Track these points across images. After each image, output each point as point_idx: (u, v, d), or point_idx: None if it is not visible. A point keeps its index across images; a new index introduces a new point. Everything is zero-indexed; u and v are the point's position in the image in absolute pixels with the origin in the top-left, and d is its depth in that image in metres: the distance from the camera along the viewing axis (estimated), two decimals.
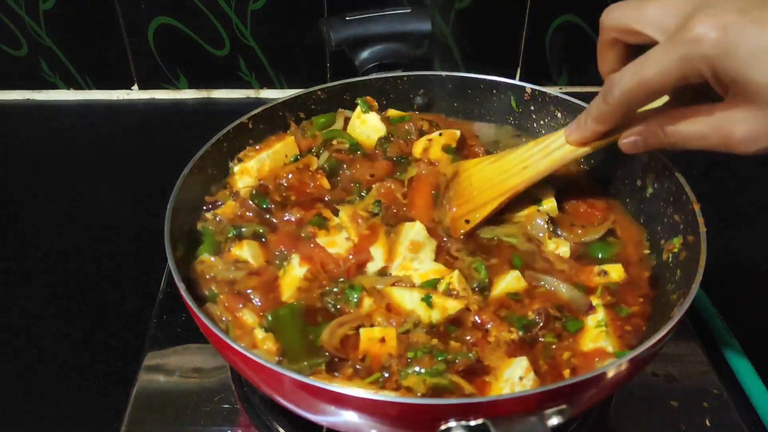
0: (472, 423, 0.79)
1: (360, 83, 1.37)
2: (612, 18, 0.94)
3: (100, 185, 1.63)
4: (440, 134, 1.26)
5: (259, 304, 1.02)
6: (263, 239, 1.11)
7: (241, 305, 1.01)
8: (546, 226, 1.13)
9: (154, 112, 1.87)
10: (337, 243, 1.09)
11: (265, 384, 0.91)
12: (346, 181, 1.23)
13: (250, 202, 1.15)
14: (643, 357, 0.87)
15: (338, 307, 1.03)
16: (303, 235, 1.10)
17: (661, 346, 0.90)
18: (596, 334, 0.99)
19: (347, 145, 1.27)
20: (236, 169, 1.21)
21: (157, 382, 1.13)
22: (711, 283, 1.24)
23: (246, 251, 1.08)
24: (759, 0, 0.80)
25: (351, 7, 1.43)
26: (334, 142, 1.28)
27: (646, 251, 1.13)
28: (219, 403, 1.10)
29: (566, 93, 1.34)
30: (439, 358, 0.93)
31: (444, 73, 1.39)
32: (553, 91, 1.33)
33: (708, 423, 1.08)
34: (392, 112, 1.34)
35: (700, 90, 0.88)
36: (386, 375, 0.93)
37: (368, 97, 1.33)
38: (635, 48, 0.93)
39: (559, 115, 1.33)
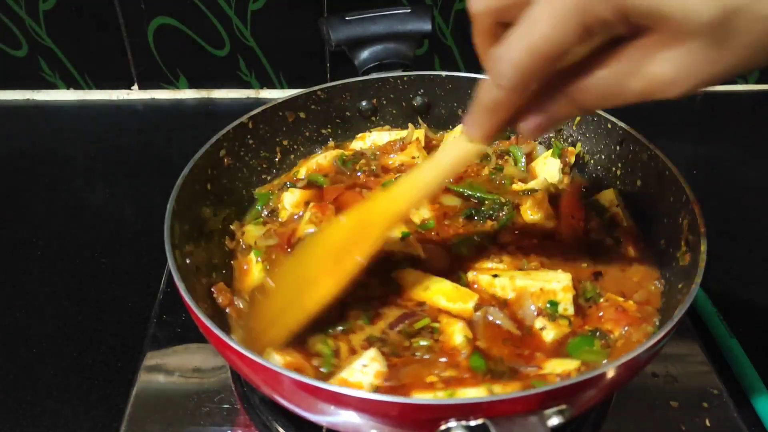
0: (472, 423, 0.79)
1: (360, 83, 1.38)
2: (481, 2, 0.76)
3: (99, 185, 1.63)
4: None
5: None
6: (317, 184, 1.28)
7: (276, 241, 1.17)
8: None
9: (154, 112, 1.87)
10: None
11: (265, 384, 0.91)
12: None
13: (335, 161, 1.31)
14: (643, 357, 0.87)
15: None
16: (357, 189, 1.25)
17: (661, 346, 0.90)
18: None
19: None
20: (358, 135, 1.39)
21: (157, 382, 1.13)
22: (711, 283, 1.25)
23: (287, 197, 1.24)
24: None
25: (351, 7, 1.43)
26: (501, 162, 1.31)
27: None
28: (219, 403, 1.10)
29: None
30: None
31: (444, 73, 1.39)
32: None
33: (708, 423, 1.08)
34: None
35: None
36: None
37: (570, 148, 1.33)
38: None
39: None
